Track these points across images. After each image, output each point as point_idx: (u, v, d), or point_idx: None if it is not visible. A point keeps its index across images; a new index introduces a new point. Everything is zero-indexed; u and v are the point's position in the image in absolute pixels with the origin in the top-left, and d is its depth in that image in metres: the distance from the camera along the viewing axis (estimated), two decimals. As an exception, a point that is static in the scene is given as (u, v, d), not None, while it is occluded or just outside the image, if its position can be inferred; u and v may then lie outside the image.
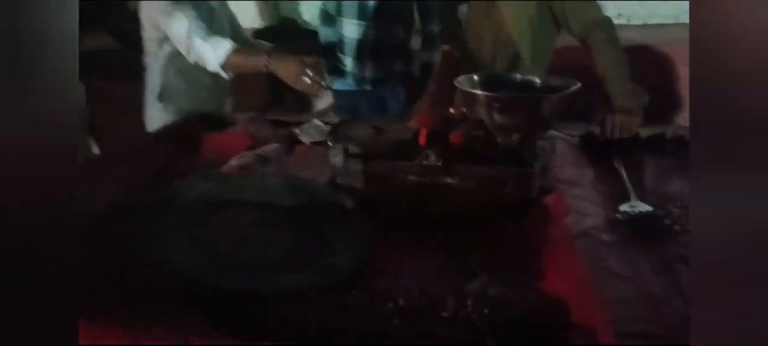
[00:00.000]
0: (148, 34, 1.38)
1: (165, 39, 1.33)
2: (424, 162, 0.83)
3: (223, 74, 1.30)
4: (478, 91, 0.87)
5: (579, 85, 0.85)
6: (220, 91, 1.49)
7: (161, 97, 1.40)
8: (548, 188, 0.85)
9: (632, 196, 0.85)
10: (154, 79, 1.42)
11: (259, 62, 1.21)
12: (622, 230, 0.77)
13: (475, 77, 0.91)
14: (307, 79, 1.15)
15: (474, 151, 0.84)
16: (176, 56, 1.34)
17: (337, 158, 0.85)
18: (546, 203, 0.81)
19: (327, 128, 1.15)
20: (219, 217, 0.74)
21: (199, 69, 1.34)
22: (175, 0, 1.26)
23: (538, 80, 0.94)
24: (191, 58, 1.27)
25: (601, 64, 1.27)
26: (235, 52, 1.24)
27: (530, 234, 0.76)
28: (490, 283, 0.63)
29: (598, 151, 1.03)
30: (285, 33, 2.62)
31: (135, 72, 2.69)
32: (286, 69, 1.18)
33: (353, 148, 0.88)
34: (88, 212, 0.77)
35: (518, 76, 0.96)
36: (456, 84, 0.89)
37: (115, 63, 2.74)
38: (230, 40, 1.25)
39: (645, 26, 3.38)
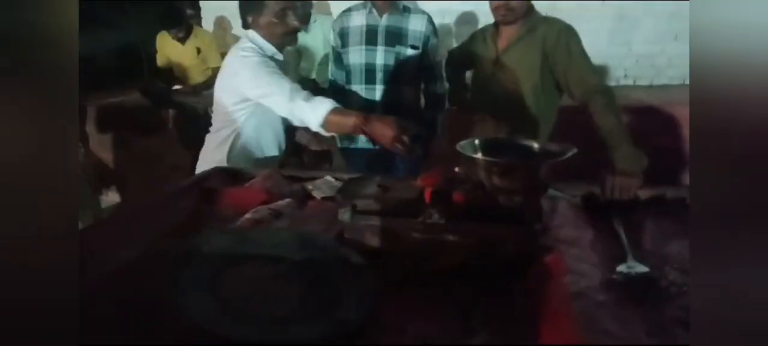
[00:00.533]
0: (224, 108, 1.47)
1: (240, 109, 1.44)
2: (428, 220, 0.87)
3: (324, 133, 1.36)
4: (479, 156, 0.93)
5: (575, 150, 0.90)
6: (280, 154, 1.59)
7: (229, 159, 1.50)
8: (548, 247, 0.89)
9: (629, 256, 0.87)
10: (220, 143, 1.51)
11: (356, 122, 1.26)
12: (618, 290, 0.79)
13: (476, 142, 0.97)
14: (400, 146, 1.18)
15: (475, 210, 0.89)
16: (247, 124, 1.46)
17: (345, 214, 0.90)
18: (545, 262, 0.84)
19: (338, 184, 1.20)
20: (234, 270, 0.78)
21: (267, 135, 1.47)
22: (271, 72, 1.37)
23: (536, 145, 0.99)
24: (295, 121, 1.36)
25: (602, 129, 1.33)
26: (334, 112, 1.30)
27: (530, 293, 0.78)
28: (490, 340, 0.66)
29: (598, 212, 1.07)
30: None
31: (160, 128, 2.83)
32: (383, 131, 1.21)
33: (361, 205, 0.94)
34: (109, 263, 0.83)
35: (517, 140, 1.01)
36: (458, 148, 0.94)
37: (143, 119, 2.89)
38: (331, 101, 1.33)
39: (651, 87, 3.46)
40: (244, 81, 1.39)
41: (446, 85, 1.87)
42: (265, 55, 1.43)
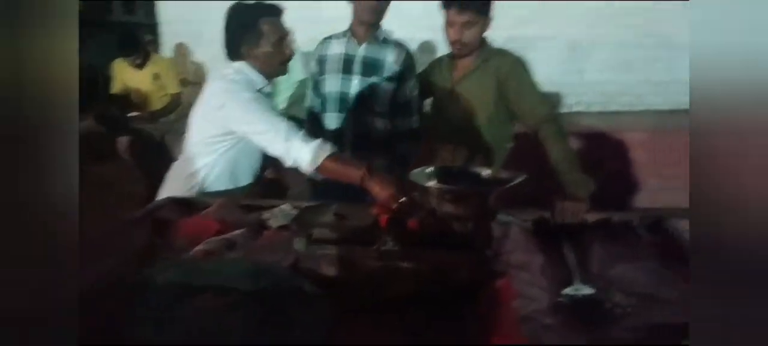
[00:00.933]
0: (202, 137, 1.44)
1: (222, 140, 1.41)
2: (383, 247, 0.88)
3: (317, 176, 1.32)
4: (431, 184, 0.95)
5: (524, 176, 0.93)
6: (252, 184, 1.56)
7: (202, 189, 1.46)
8: (500, 272, 0.91)
9: (576, 279, 0.90)
10: (193, 172, 1.47)
11: (355, 174, 1.24)
12: (565, 312, 0.82)
13: (428, 170, 1.00)
14: (394, 206, 1.11)
15: (429, 236, 0.90)
16: (226, 156, 1.44)
17: (300, 243, 0.90)
18: (496, 287, 0.86)
19: (294, 213, 1.20)
20: (187, 301, 0.77)
21: (243, 166, 1.46)
22: (264, 109, 1.35)
23: (486, 172, 1.02)
24: (289, 161, 1.32)
25: (552, 156, 1.39)
26: (331, 158, 1.28)
27: (480, 318, 0.80)
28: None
29: (549, 236, 1.10)
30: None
31: (114, 155, 2.74)
32: (384, 189, 1.18)
33: (316, 234, 0.94)
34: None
35: (469, 168, 1.05)
36: (410, 177, 0.97)
37: (97, 145, 2.81)
38: (330, 145, 1.30)
39: (602, 113, 3.62)
40: (233, 115, 1.36)
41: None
42: (255, 89, 1.40)
